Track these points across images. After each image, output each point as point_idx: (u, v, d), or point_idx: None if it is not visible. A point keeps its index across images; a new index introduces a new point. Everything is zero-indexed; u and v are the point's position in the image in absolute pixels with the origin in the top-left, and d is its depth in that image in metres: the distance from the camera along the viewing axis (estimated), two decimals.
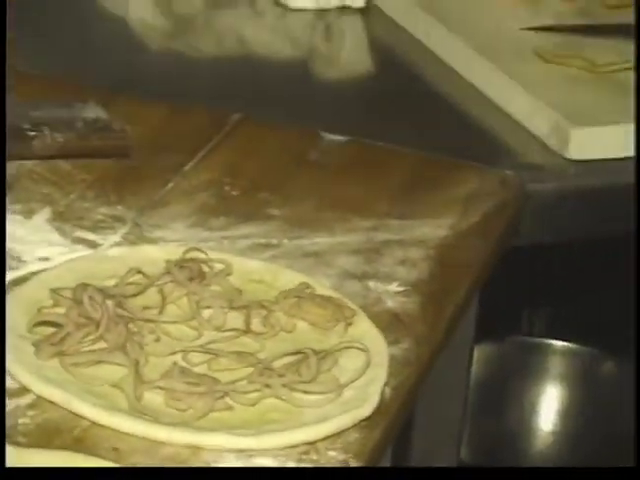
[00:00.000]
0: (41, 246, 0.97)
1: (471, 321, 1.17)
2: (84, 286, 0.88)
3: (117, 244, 0.98)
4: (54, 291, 0.88)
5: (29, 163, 1.08)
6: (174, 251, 0.95)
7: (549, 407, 1.68)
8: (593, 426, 1.66)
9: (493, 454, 1.63)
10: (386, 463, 1.01)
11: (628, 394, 1.60)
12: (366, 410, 0.83)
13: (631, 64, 1.33)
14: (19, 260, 0.95)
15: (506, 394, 1.66)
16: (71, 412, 0.80)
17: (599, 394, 1.66)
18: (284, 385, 0.83)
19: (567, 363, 1.67)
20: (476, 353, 1.47)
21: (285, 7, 1.50)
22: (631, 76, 1.33)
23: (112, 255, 0.95)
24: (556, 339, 1.68)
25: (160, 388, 0.82)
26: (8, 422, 0.80)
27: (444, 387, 1.15)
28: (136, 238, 0.99)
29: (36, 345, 0.83)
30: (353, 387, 0.84)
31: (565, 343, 1.67)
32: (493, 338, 1.64)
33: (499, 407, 1.66)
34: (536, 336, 1.71)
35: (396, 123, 1.30)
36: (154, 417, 0.80)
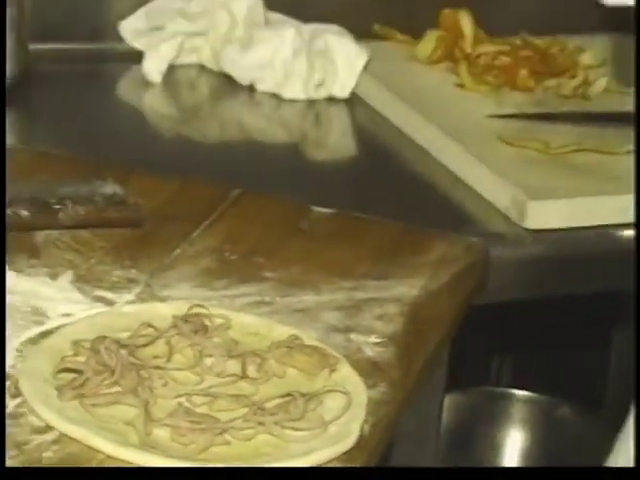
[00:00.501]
0: (64, 304, 0.97)
1: (443, 372, 1.17)
2: (102, 338, 0.88)
3: (131, 302, 0.98)
4: (75, 342, 0.89)
5: (55, 233, 1.08)
6: (180, 307, 0.95)
7: (513, 449, 1.67)
8: (550, 461, 1.64)
9: None
10: None
11: (582, 436, 1.59)
12: (347, 444, 0.83)
13: (581, 146, 1.35)
14: (45, 316, 0.95)
15: (474, 437, 1.65)
16: (89, 447, 0.80)
17: (557, 437, 1.64)
18: (275, 423, 0.84)
19: (528, 410, 1.65)
20: (448, 401, 1.47)
21: (280, 98, 1.49)
22: (581, 157, 1.35)
23: (126, 311, 0.96)
24: (519, 389, 1.66)
25: (167, 425, 0.82)
26: (34, 456, 0.80)
27: (419, 430, 1.16)
28: (148, 297, 0.99)
29: (59, 389, 0.84)
30: (336, 424, 0.85)
31: (527, 392, 1.65)
32: (463, 388, 1.62)
33: (468, 448, 1.64)
34: (502, 386, 1.70)
35: (376, 197, 1.31)
36: (161, 451, 0.81)
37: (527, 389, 1.65)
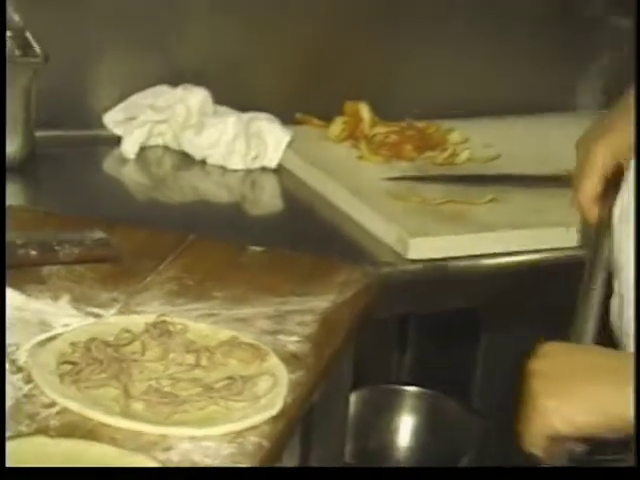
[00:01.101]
0: (64, 317, 0.97)
1: (349, 369, 1.17)
2: (93, 340, 0.90)
3: (114, 315, 0.99)
4: (73, 344, 0.90)
5: (56, 267, 1.07)
6: (151, 318, 0.96)
7: (406, 431, 1.62)
8: (435, 442, 1.60)
9: (370, 460, 1.57)
10: (295, 451, 1.05)
11: (459, 422, 1.56)
12: (273, 412, 0.86)
13: (450, 199, 1.36)
14: (50, 326, 0.95)
15: (377, 423, 1.61)
16: (84, 416, 0.82)
17: (440, 422, 1.60)
18: (221, 397, 0.86)
19: (419, 402, 1.62)
20: (355, 397, 1.44)
21: (225, 169, 1.48)
22: (450, 207, 1.35)
23: (111, 321, 0.97)
24: (411, 385, 1.62)
25: (142, 400, 0.84)
26: (43, 423, 0.81)
27: (332, 416, 1.15)
28: (126, 311, 1.00)
29: (61, 376, 0.86)
30: (266, 398, 0.87)
31: (417, 388, 1.61)
32: (367, 386, 1.58)
33: (372, 431, 1.60)
34: (400, 384, 1.65)
35: (298, 239, 1.30)
36: (137, 417, 0.83)
37: (419, 385, 1.62)
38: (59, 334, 0.94)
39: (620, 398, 0.79)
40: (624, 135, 1.04)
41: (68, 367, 0.88)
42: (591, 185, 1.06)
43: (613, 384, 0.80)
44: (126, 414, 0.83)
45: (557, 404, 0.80)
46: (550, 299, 1.36)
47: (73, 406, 0.83)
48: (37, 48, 1.37)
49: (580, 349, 0.90)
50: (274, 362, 0.93)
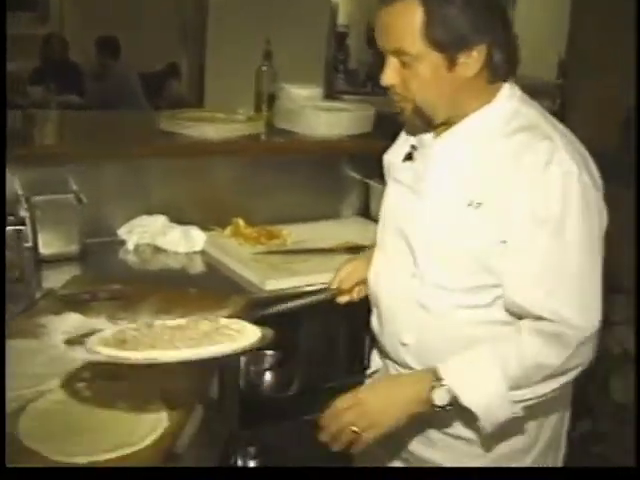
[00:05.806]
0: (102, 325, 1.04)
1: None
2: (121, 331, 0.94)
3: (128, 323, 1.01)
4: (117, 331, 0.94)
5: (97, 302, 1.14)
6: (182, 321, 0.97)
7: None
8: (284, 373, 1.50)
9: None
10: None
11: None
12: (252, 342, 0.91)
13: (284, 261, 1.34)
14: (95, 329, 0.96)
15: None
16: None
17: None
18: (214, 337, 0.91)
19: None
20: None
21: (177, 252, 1.49)
22: (284, 265, 1.33)
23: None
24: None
25: (182, 342, 0.89)
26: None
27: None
28: (132, 320, 1.03)
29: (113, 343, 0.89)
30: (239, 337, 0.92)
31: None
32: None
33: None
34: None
35: (211, 283, 1.32)
36: (180, 348, 0.88)
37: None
38: (102, 330, 0.97)
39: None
40: (364, 261, 1.11)
41: (117, 338, 0.92)
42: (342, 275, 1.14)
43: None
44: (175, 349, 0.89)
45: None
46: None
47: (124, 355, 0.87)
48: (85, 199, 1.44)
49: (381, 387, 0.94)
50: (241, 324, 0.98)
